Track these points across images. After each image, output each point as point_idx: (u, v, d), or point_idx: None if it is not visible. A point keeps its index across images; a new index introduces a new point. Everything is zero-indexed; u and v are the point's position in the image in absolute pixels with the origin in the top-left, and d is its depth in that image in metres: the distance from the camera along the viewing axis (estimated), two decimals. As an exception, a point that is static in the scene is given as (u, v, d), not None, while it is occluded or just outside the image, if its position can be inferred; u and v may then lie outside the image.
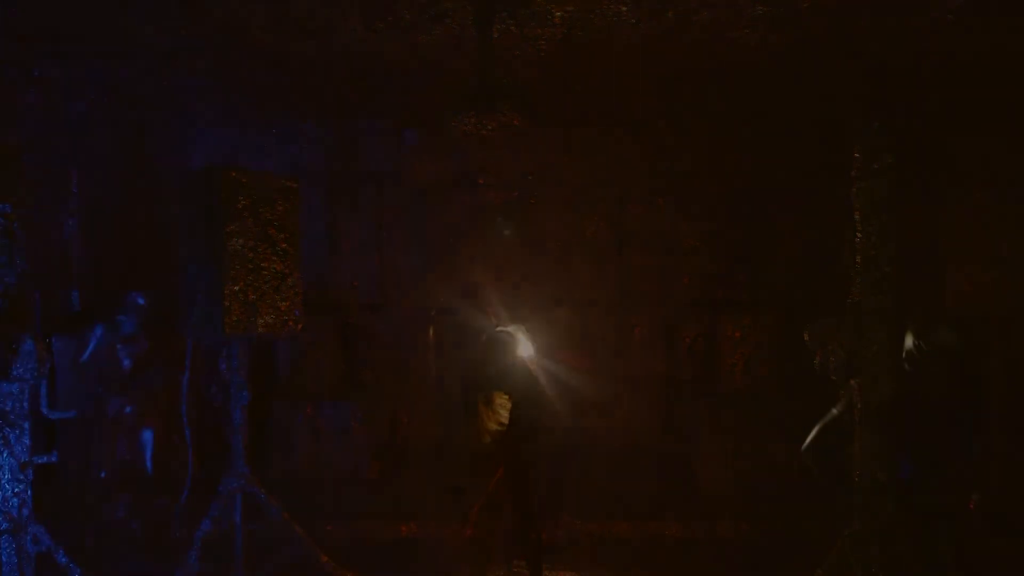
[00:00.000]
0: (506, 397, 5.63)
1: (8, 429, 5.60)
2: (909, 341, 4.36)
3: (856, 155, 5.67)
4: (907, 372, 4.34)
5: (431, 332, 7.74)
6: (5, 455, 5.59)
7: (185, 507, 6.75)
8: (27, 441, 5.69)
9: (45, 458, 5.75)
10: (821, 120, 7.28)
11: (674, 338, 7.70)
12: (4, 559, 5.54)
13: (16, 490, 5.60)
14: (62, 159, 6.76)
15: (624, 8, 5.44)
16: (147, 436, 7.02)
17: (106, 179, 7.06)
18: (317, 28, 5.76)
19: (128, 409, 6.95)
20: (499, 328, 5.83)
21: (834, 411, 4.53)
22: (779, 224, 7.56)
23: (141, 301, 6.94)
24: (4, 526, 5.51)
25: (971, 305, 6.80)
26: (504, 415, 5.66)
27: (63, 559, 5.69)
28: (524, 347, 5.74)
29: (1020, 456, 5.56)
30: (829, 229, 7.19)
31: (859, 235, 5.40)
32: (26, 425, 5.68)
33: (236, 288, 6.06)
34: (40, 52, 5.98)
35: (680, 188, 7.69)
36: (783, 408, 7.34)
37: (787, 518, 7.01)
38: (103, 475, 6.77)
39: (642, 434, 7.60)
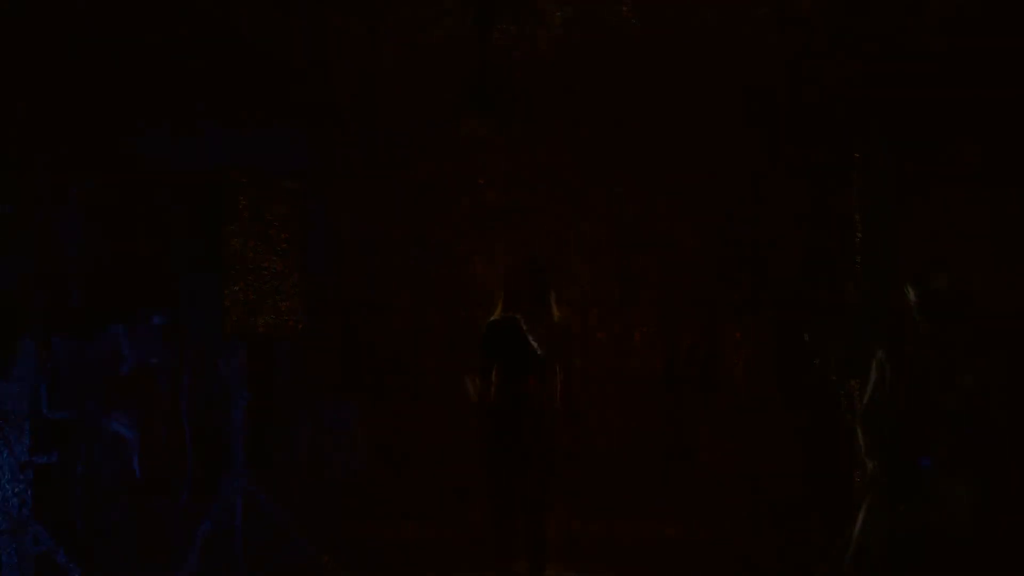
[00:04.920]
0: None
1: (8, 429, 5.60)
2: (911, 293, 4.32)
3: (856, 155, 5.68)
4: (917, 333, 4.31)
5: (431, 332, 7.73)
6: (5, 455, 5.60)
7: (185, 508, 6.75)
8: (27, 441, 5.70)
9: (45, 458, 5.75)
10: (822, 120, 7.27)
11: (675, 338, 7.69)
12: (4, 559, 5.54)
13: (16, 490, 5.60)
14: (64, 160, 6.75)
15: (624, 8, 5.44)
16: (150, 437, 7.02)
17: (108, 181, 7.06)
18: (317, 29, 5.76)
19: (129, 409, 6.95)
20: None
21: None
22: (780, 224, 7.55)
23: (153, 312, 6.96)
24: (4, 526, 5.51)
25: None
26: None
27: (63, 559, 5.69)
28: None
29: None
30: (830, 229, 7.19)
31: (859, 235, 5.41)
32: (26, 425, 5.68)
33: (236, 288, 6.07)
34: (39, 51, 5.99)
35: (681, 188, 7.68)
36: (784, 408, 7.34)
37: (788, 518, 7.01)
38: (104, 475, 6.76)
39: (643, 433, 7.59)
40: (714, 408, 7.52)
